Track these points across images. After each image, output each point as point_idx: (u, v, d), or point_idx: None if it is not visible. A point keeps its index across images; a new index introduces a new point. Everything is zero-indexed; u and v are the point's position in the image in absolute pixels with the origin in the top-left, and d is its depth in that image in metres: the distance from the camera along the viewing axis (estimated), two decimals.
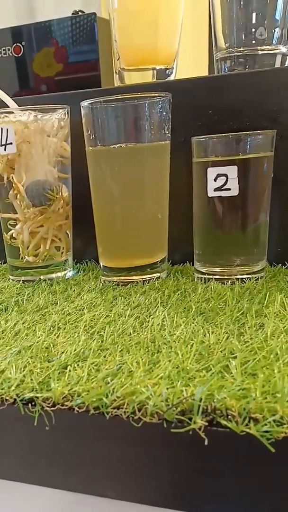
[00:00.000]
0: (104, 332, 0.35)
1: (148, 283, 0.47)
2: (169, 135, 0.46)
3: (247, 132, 0.42)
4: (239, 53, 0.48)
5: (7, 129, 0.47)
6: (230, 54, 0.49)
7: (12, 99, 0.50)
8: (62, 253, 0.52)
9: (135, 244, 0.48)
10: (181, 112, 0.48)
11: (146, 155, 0.46)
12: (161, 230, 0.48)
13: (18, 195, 0.49)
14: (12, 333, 0.36)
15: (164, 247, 0.49)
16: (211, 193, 0.43)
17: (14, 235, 0.51)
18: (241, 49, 0.48)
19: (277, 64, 0.48)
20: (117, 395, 0.26)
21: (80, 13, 0.62)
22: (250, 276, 0.45)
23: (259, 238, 0.45)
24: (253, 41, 0.47)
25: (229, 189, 0.42)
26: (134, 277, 0.47)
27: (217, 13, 0.49)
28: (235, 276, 0.45)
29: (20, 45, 0.63)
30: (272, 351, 0.29)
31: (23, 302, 0.44)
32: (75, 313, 0.40)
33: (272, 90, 0.46)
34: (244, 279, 0.45)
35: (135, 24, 0.51)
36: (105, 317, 0.38)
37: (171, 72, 0.54)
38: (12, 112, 0.48)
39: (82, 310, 0.40)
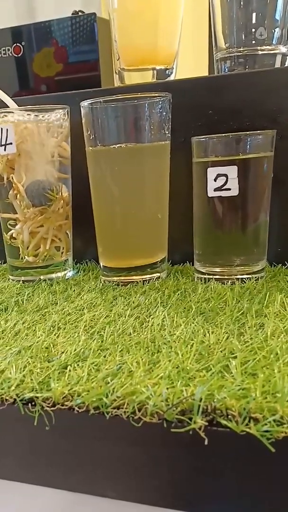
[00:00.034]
0: (104, 332, 0.35)
1: (148, 283, 0.47)
2: (169, 135, 0.46)
3: (247, 132, 0.42)
4: (239, 53, 0.48)
5: (7, 129, 0.47)
6: (230, 54, 0.49)
7: (12, 99, 0.50)
8: (62, 253, 0.52)
9: (135, 244, 0.48)
10: (181, 112, 0.48)
11: (146, 155, 0.46)
12: (161, 230, 0.48)
13: (18, 195, 0.49)
14: (12, 333, 0.36)
15: (164, 247, 0.49)
16: (211, 193, 0.43)
17: (14, 235, 0.51)
18: (241, 49, 0.48)
19: (277, 64, 0.48)
20: (117, 395, 0.26)
21: (80, 13, 0.62)
22: (250, 276, 0.45)
23: (259, 238, 0.45)
24: (253, 41, 0.47)
25: (229, 189, 0.42)
26: (134, 277, 0.47)
27: (217, 13, 0.49)
28: (235, 276, 0.45)
29: (20, 45, 0.63)
30: (272, 351, 0.29)
31: (23, 302, 0.44)
32: (75, 313, 0.40)
33: (272, 90, 0.46)
34: (244, 279, 0.45)
35: (135, 24, 0.51)
36: (105, 317, 0.38)
37: (171, 72, 0.54)
38: (12, 112, 0.48)
39: (82, 310, 0.40)
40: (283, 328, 0.33)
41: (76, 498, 0.27)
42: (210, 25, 0.51)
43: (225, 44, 0.49)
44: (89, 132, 0.46)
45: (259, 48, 0.47)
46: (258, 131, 0.43)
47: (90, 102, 0.44)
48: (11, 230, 0.51)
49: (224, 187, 0.42)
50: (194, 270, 0.47)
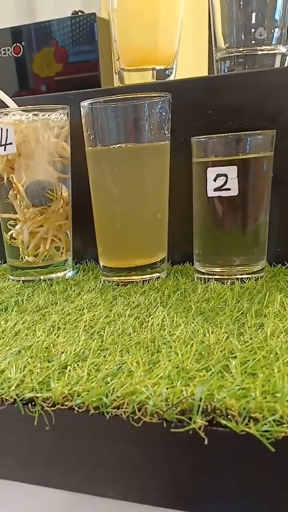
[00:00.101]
0: (104, 332, 0.35)
1: (148, 283, 0.47)
2: (169, 135, 0.46)
3: (247, 132, 0.42)
4: (239, 53, 0.48)
5: (7, 129, 0.47)
6: (230, 54, 0.49)
7: (12, 99, 0.50)
8: (62, 253, 0.52)
9: (135, 244, 0.48)
10: (181, 112, 0.48)
11: (146, 155, 0.46)
12: (161, 230, 0.48)
13: (18, 195, 0.49)
14: (12, 333, 0.36)
15: (164, 247, 0.49)
16: (211, 193, 0.43)
17: (14, 235, 0.51)
18: (241, 49, 0.48)
19: (277, 64, 0.48)
20: (117, 395, 0.26)
21: (80, 13, 0.62)
22: (250, 276, 0.45)
23: (259, 238, 0.45)
24: (253, 41, 0.47)
25: (229, 189, 0.42)
26: (134, 277, 0.47)
27: (217, 13, 0.49)
28: (235, 276, 0.45)
29: (20, 45, 0.63)
30: (272, 351, 0.29)
31: (23, 302, 0.44)
32: (75, 313, 0.40)
33: (272, 90, 0.46)
34: (244, 279, 0.45)
35: (135, 24, 0.51)
36: (105, 317, 0.38)
37: (171, 72, 0.54)
38: (12, 112, 0.48)
39: (82, 310, 0.40)
40: (283, 328, 0.33)
41: (76, 498, 0.27)
42: (210, 25, 0.51)
43: (225, 44, 0.49)
44: (89, 132, 0.46)
45: (258, 48, 0.47)
46: (258, 131, 0.43)
47: (90, 102, 0.44)
48: (11, 230, 0.51)
49: (224, 187, 0.42)
50: (194, 270, 0.47)
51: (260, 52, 0.48)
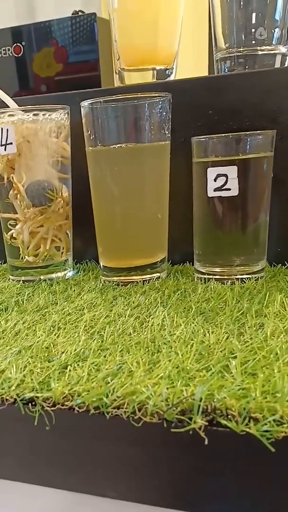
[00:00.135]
0: (104, 332, 0.35)
1: (148, 283, 0.47)
2: (169, 135, 0.46)
3: (247, 132, 0.42)
4: (239, 53, 0.48)
5: (7, 129, 0.47)
6: (230, 54, 0.49)
7: (12, 99, 0.50)
8: (62, 253, 0.52)
9: (135, 244, 0.48)
10: (181, 112, 0.48)
11: (146, 155, 0.46)
12: (161, 230, 0.48)
13: (18, 195, 0.49)
14: (12, 333, 0.36)
15: (164, 247, 0.49)
16: (211, 193, 0.43)
17: (14, 235, 0.51)
18: (241, 49, 0.48)
19: (277, 64, 0.48)
20: (117, 395, 0.26)
21: (80, 13, 0.62)
22: (250, 276, 0.45)
23: (259, 238, 0.45)
24: (253, 41, 0.47)
25: (229, 189, 0.42)
26: (134, 277, 0.47)
27: (217, 13, 0.49)
28: (235, 276, 0.45)
29: (20, 45, 0.63)
30: (272, 351, 0.29)
31: (23, 302, 0.44)
32: (75, 313, 0.40)
33: (272, 90, 0.46)
34: (244, 279, 0.45)
35: (135, 24, 0.51)
36: (105, 317, 0.38)
37: (171, 72, 0.54)
38: (13, 112, 0.48)
39: (82, 310, 0.40)
40: (283, 328, 0.33)
41: (76, 498, 0.27)
42: (210, 25, 0.51)
43: (225, 44, 0.49)
44: (89, 132, 0.46)
45: (259, 48, 0.47)
46: (258, 131, 0.43)
47: (90, 102, 0.44)
48: (11, 230, 0.51)
49: (224, 187, 0.42)
50: (194, 270, 0.47)
51: (260, 52, 0.48)
